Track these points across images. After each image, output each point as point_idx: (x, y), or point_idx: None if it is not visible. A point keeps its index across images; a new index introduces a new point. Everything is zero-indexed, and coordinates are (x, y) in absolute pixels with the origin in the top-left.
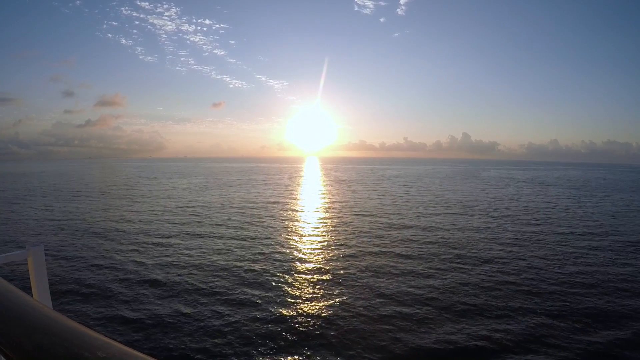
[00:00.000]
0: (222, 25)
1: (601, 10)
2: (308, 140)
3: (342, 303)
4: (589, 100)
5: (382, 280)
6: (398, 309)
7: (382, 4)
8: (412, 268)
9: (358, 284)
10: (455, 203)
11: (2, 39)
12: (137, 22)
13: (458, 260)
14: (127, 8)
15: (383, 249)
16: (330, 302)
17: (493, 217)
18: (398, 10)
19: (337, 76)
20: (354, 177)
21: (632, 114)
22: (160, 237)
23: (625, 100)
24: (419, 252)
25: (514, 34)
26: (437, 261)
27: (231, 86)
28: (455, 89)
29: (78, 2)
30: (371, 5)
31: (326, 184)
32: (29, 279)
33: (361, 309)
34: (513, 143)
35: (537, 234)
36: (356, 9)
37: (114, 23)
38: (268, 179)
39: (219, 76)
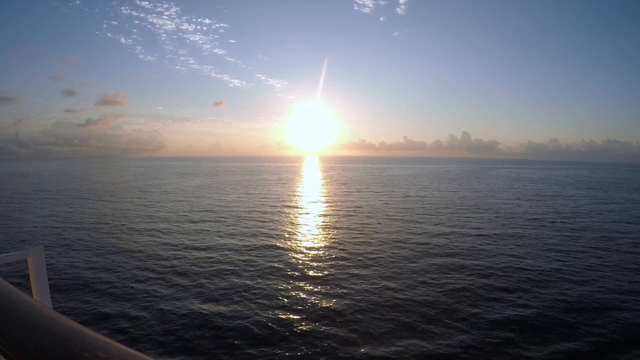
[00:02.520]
0: (221, 24)
1: (601, 9)
2: (308, 139)
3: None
4: (589, 99)
5: (465, 303)
6: (508, 334)
7: (382, 3)
8: (490, 283)
9: (438, 307)
10: (486, 205)
11: (2, 37)
12: (136, 22)
13: (528, 274)
14: (126, 7)
15: (445, 260)
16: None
17: (533, 219)
18: (398, 9)
19: (337, 75)
20: (366, 177)
21: (632, 112)
22: (180, 242)
23: (626, 99)
24: (484, 265)
25: (514, 33)
26: (508, 272)
27: (231, 85)
28: (454, 87)
29: (78, 1)
30: (371, 5)
31: (344, 185)
32: (29, 279)
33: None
34: (513, 142)
35: (588, 240)
36: (356, 8)
37: (113, 22)
38: (280, 178)
39: (219, 75)
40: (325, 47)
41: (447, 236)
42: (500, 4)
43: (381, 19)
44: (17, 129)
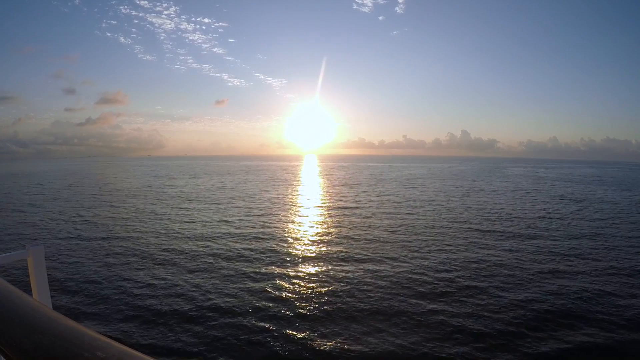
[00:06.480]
0: (221, 23)
1: (601, 7)
2: (307, 138)
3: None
4: (588, 98)
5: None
6: None
7: (381, 2)
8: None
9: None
10: (539, 209)
11: (1, 35)
12: (135, 21)
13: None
14: (126, 7)
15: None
16: None
17: (596, 226)
18: (397, 8)
19: (336, 74)
20: (387, 176)
21: (631, 111)
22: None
23: (625, 97)
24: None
25: (513, 32)
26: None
27: (230, 84)
28: (454, 86)
29: (77, 1)
30: (370, 4)
31: (371, 185)
32: (29, 279)
33: None
34: (512, 141)
35: None
36: (355, 7)
37: (113, 22)
38: (298, 178)
39: (218, 74)
40: (324, 46)
41: (535, 251)
42: (500, 3)
43: (380, 18)
44: (17, 129)
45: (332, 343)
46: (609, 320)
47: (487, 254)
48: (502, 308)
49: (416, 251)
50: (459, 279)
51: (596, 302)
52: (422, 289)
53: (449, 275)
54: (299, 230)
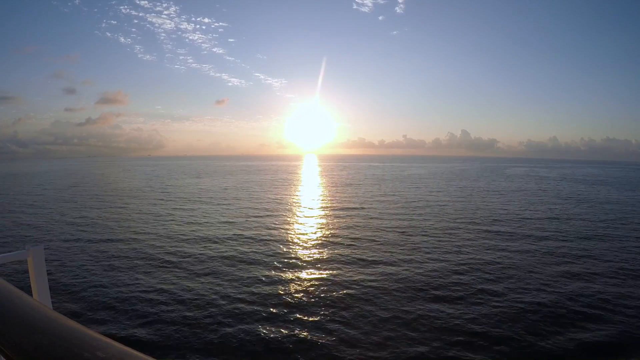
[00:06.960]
0: (221, 23)
1: (600, 7)
2: (307, 138)
3: None
4: (588, 98)
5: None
6: None
7: (381, 2)
8: None
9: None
10: (540, 206)
11: (1, 34)
12: (135, 21)
13: None
14: (126, 7)
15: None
16: None
17: (598, 220)
18: (397, 8)
19: (336, 74)
20: (386, 176)
21: (631, 111)
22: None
23: (624, 97)
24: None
25: (513, 32)
26: None
27: (230, 84)
28: (454, 86)
29: (77, 1)
30: (370, 4)
31: (374, 185)
32: (29, 279)
33: None
34: (512, 140)
35: None
36: (355, 7)
37: (112, 22)
38: (300, 178)
39: (218, 74)
40: (324, 46)
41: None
42: (499, 3)
43: (380, 17)
44: (17, 129)
45: (353, 349)
46: (628, 322)
47: (499, 256)
48: (521, 310)
49: (428, 253)
50: (473, 281)
51: (613, 303)
52: (439, 292)
53: (464, 277)
54: (307, 231)
